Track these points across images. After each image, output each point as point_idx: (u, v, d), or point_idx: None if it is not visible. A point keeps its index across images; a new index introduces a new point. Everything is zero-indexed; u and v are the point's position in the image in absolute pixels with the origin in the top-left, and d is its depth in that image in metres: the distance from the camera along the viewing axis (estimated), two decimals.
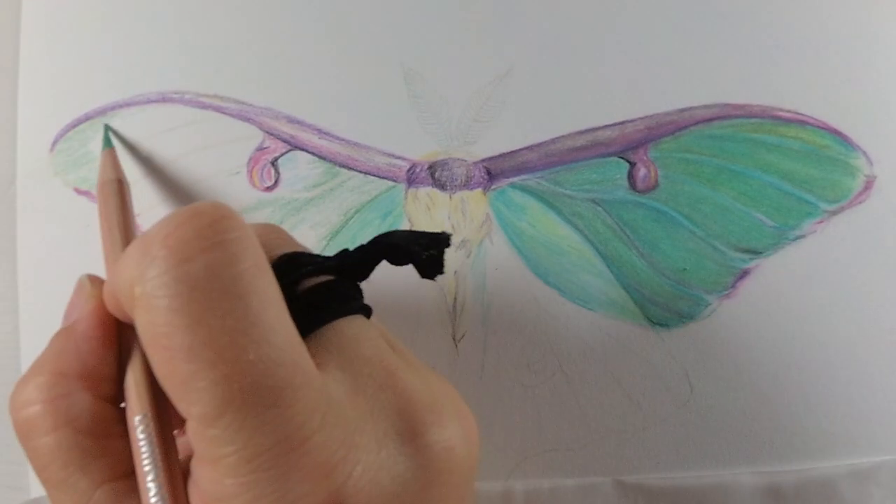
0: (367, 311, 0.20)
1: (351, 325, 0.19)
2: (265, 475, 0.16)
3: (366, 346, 0.19)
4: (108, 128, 0.31)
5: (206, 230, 0.16)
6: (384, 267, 0.31)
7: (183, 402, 0.16)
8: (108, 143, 0.30)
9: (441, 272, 0.20)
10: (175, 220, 0.17)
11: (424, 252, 0.20)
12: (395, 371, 0.18)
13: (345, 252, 0.20)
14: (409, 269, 0.31)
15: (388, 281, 0.31)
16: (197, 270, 0.16)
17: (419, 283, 0.31)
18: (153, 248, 0.16)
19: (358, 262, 0.20)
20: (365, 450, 0.17)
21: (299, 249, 0.20)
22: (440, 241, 0.20)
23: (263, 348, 0.16)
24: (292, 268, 0.19)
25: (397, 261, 0.21)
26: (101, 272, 0.32)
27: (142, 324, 0.17)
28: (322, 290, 0.19)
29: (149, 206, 0.32)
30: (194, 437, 0.17)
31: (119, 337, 0.20)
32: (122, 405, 0.20)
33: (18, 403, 0.19)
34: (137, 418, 0.19)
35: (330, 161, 0.31)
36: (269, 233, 0.21)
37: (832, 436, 0.29)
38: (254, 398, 0.16)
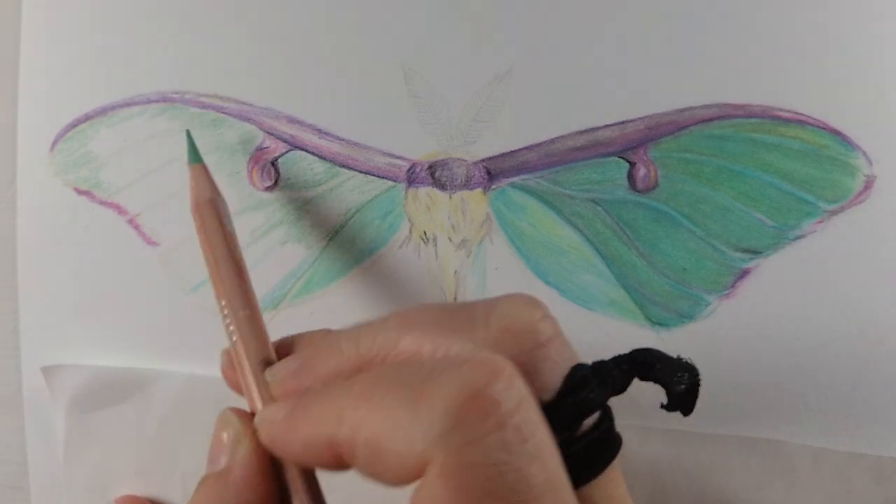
0: (621, 443, 0.19)
1: (613, 476, 0.18)
2: None
3: (624, 489, 0.18)
4: (189, 135, 0.28)
5: (509, 387, 0.16)
6: (382, 264, 0.31)
7: None
8: (195, 157, 0.27)
9: (690, 410, 0.19)
10: (473, 379, 0.16)
11: (681, 383, 0.19)
12: None
13: (605, 366, 0.19)
14: (408, 269, 0.31)
15: (388, 280, 0.31)
16: (509, 438, 0.15)
17: (419, 283, 0.31)
18: (457, 409, 0.15)
19: (619, 382, 0.20)
20: None
21: (571, 353, 0.19)
22: (693, 373, 0.19)
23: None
24: (578, 404, 0.18)
25: (650, 378, 0.20)
26: (101, 274, 0.32)
27: (443, 489, 0.15)
28: (597, 441, 0.18)
29: (149, 206, 0.32)
30: None
31: (279, 479, 0.19)
32: None
33: None
34: None
35: (330, 161, 0.31)
36: (534, 332, 0.19)
37: (832, 436, 0.29)
38: None
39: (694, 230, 0.30)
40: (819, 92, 0.29)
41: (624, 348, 0.30)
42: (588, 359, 0.20)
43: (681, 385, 0.19)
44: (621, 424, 0.30)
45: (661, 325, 0.30)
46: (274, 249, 0.31)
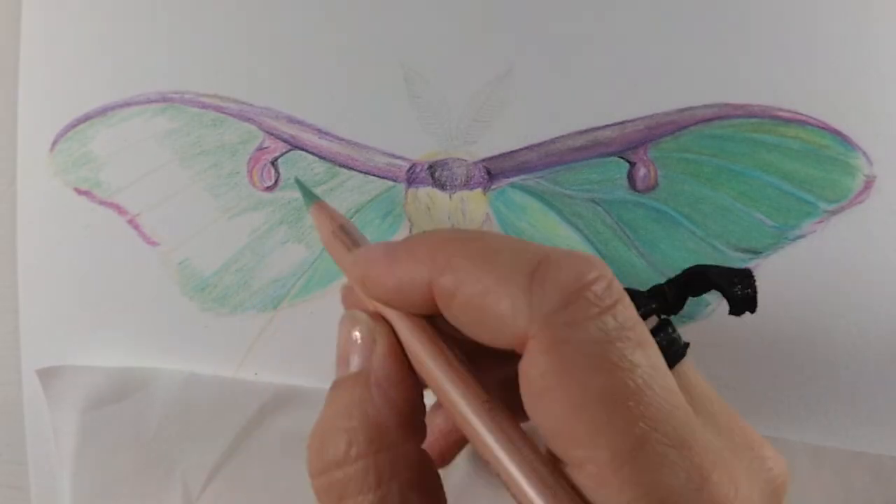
0: (688, 346, 0.20)
1: (689, 367, 0.19)
2: None
3: (704, 386, 0.19)
4: (300, 183, 0.28)
5: (610, 286, 0.17)
6: None
7: (589, 445, 0.16)
8: (310, 197, 0.27)
9: (753, 310, 0.20)
10: (590, 267, 0.17)
11: (738, 289, 0.20)
12: (727, 407, 0.19)
13: (660, 288, 0.20)
14: None
15: None
16: (614, 322, 0.17)
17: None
18: (573, 291, 0.17)
19: (675, 298, 0.21)
20: (743, 485, 0.17)
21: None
22: (748, 277, 0.20)
23: (664, 391, 0.16)
24: None
25: (703, 291, 0.21)
26: (101, 274, 0.32)
27: (545, 364, 0.16)
28: (663, 335, 0.19)
29: (149, 206, 0.32)
30: (596, 483, 0.16)
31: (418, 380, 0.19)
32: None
33: (326, 462, 0.18)
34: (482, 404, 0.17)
35: (330, 161, 0.31)
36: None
37: (832, 434, 0.29)
38: (666, 437, 0.16)
39: (694, 230, 0.30)
40: (819, 92, 0.29)
41: None
42: None
43: (739, 291, 0.20)
44: None
45: None
46: (274, 249, 0.31)
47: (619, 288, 0.17)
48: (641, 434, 0.16)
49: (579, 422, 0.16)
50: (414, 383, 0.19)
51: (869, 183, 0.29)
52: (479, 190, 0.31)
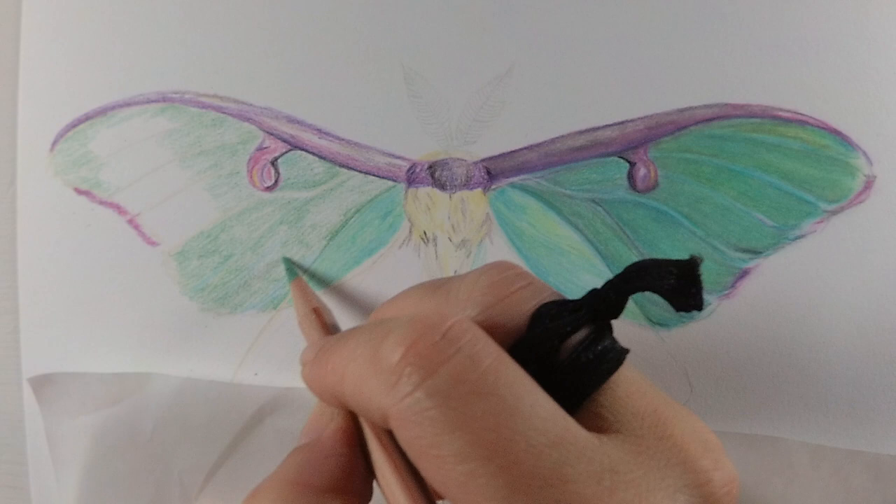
0: (625, 355, 0.19)
1: (619, 383, 0.19)
2: None
3: (637, 400, 0.18)
4: (286, 260, 0.31)
5: (440, 343, 0.17)
6: (382, 264, 0.31)
7: (466, 501, 0.16)
8: (292, 274, 0.31)
9: (699, 307, 0.18)
10: (407, 336, 0.17)
11: (672, 282, 0.18)
12: (667, 419, 0.18)
13: (595, 293, 0.19)
14: (408, 269, 0.31)
15: (388, 280, 0.31)
16: (444, 382, 0.17)
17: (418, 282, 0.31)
18: (394, 366, 0.17)
19: (612, 301, 0.19)
20: None
21: (545, 295, 0.20)
22: (688, 267, 0.18)
23: (531, 434, 0.16)
24: (547, 332, 0.19)
25: (643, 289, 0.19)
26: (102, 276, 0.32)
27: (404, 438, 0.17)
28: (583, 354, 0.19)
29: (149, 206, 0.32)
30: None
31: (364, 450, 0.20)
32: None
33: None
34: None
35: (330, 161, 0.31)
36: (504, 286, 0.20)
37: (831, 433, 0.29)
38: (537, 481, 0.16)
39: (694, 230, 0.30)
40: (819, 92, 0.29)
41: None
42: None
43: (669, 280, 0.18)
44: None
45: (661, 325, 0.30)
46: (274, 249, 0.31)
47: (459, 333, 0.17)
48: (510, 481, 0.16)
49: (448, 488, 0.16)
50: (355, 461, 0.20)
51: (869, 183, 0.29)
52: (479, 190, 0.31)
